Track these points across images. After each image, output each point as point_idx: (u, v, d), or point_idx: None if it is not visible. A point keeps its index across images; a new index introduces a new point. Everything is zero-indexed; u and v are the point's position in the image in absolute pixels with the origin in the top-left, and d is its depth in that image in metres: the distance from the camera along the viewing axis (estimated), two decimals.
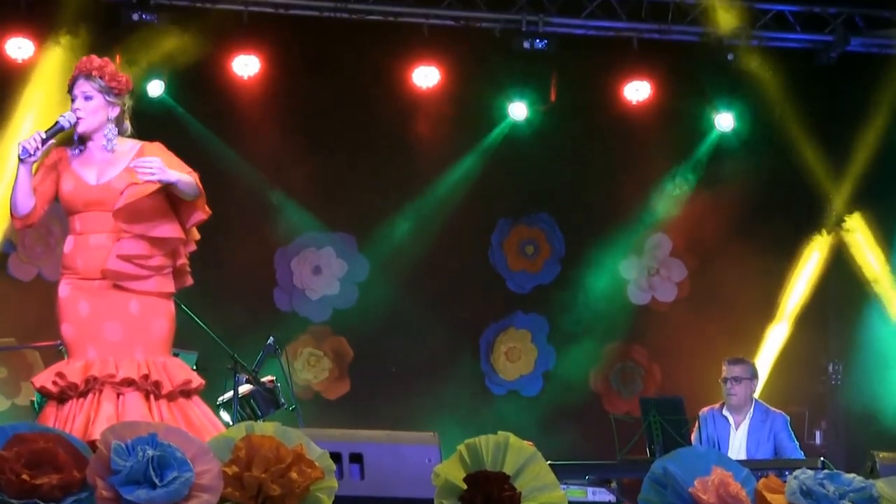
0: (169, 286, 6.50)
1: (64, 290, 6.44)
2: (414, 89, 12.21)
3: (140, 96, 9.44)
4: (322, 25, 11.88)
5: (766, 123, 12.32)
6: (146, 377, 6.29)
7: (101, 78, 6.49)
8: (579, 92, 12.26)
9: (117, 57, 11.05)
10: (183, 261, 6.55)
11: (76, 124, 6.47)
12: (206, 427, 6.31)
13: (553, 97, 12.26)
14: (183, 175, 6.39)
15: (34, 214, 6.47)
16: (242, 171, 12.11)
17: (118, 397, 6.27)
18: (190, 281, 6.67)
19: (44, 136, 6.35)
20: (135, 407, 6.23)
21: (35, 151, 6.31)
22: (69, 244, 6.48)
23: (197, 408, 6.45)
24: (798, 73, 12.20)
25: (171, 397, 6.36)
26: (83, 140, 6.53)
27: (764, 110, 12.29)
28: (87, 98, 6.49)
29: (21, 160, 6.31)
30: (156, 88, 11.46)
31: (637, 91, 12.43)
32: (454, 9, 11.99)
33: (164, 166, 6.31)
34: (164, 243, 6.43)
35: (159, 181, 6.29)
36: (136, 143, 6.57)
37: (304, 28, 11.88)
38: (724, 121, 12.54)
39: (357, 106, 12.05)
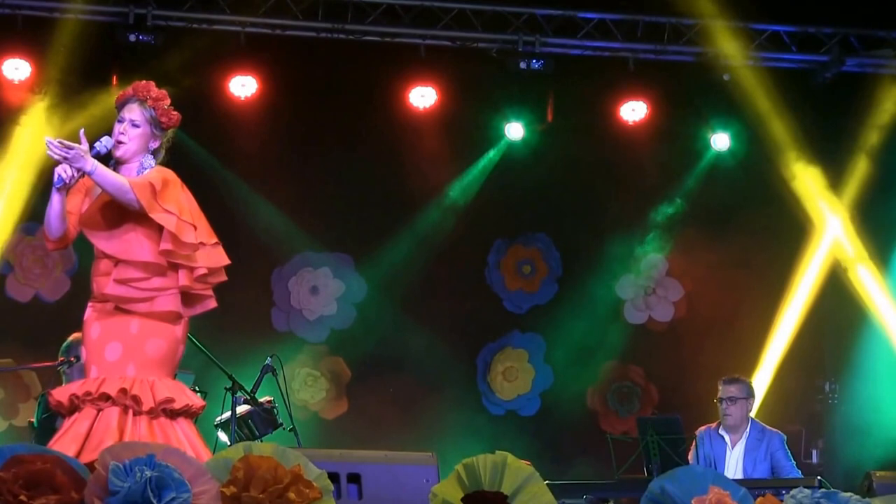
0: (172, 305, 6.40)
1: (87, 312, 6.48)
2: (411, 109, 12.23)
3: None
4: (319, 46, 11.90)
5: (761, 143, 12.33)
6: (125, 392, 6.22)
7: (154, 109, 6.50)
8: (576, 112, 12.28)
9: (114, 78, 11.10)
10: (186, 283, 6.42)
11: (114, 148, 6.43)
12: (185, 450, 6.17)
13: (549, 117, 12.28)
14: (114, 176, 6.24)
15: (67, 238, 6.47)
16: (239, 191, 12.12)
17: (97, 413, 6.23)
18: (213, 304, 6.58)
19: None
20: (108, 421, 6.19)
21: (70, 179, 6.27)
22: (93, 266, 6.51)
23: (179, 429, 6.33)
24: (794, 93, 12.22)
25: (152, 414, 6.27)
26: (118, 163, 6.50)
27: (760, 130, 12.31)
28: (135, 125, 6.48)
29: (56, 189, 6.27)
30: None
31: (633, 111, 12.46)
32: (451, 29, 12.01)
33: (84, 155, 6.17)
34: (148, 266, 6.37)
35: (69, 164, 6.17)
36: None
37: (301, 49, 11.90)
38: (720, 140, 12.59)
39: (354, 126, 12.07)
